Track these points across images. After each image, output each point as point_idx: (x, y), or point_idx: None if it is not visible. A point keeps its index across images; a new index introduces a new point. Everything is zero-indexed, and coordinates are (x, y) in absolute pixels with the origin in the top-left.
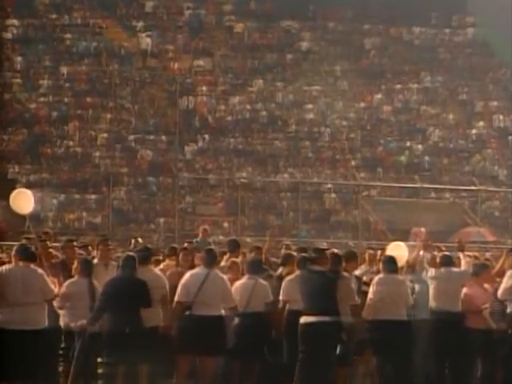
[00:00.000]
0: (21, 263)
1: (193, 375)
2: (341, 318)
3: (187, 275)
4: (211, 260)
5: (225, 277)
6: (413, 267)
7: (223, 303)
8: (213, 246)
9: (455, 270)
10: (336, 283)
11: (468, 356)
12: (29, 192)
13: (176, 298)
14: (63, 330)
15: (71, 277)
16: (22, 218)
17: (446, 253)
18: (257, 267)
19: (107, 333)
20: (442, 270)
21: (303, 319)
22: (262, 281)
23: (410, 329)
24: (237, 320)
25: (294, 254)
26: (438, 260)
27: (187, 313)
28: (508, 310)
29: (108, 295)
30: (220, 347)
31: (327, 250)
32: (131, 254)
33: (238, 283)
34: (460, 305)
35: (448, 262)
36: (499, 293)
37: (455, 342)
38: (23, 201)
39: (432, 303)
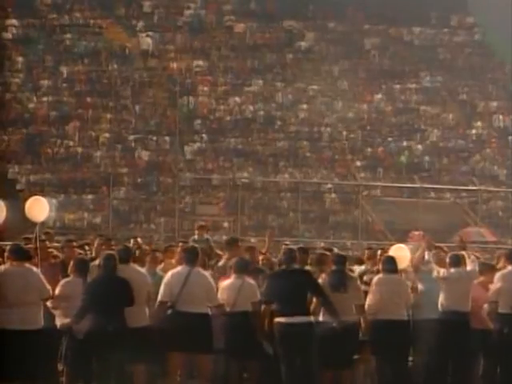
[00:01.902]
0: (15, 263)
1: (184, 374)
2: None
3: (169, 274)
4: (192, 258)
5: (208, 274)
6: (416, 267)
7: (207, 301)
8: (205, 244)
9: (465, 269)
10: (343, 283)
11: (475, 356)
12: (44, 199)
13: (159, 298)
14: (59, 330)
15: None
16: (22, 218)
17: (456, 253)
18: (243, 267)
19: (91, 332)
20: (453, 270)
21: (280, 320)
22: (249, 280)
23: (411, 328)
24: (224, 319)
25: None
26: (447, 260)
27: (171, 311)
28: (499, 311)
29: (90, 295)
30: (206, 344)
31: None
32: (111, 252)
33: (224, 283)
34: (470, 305)
35: (458, 262)
36: (489, 294)
37: (466, 342)
38: (38, 209)
39: (442, 303)
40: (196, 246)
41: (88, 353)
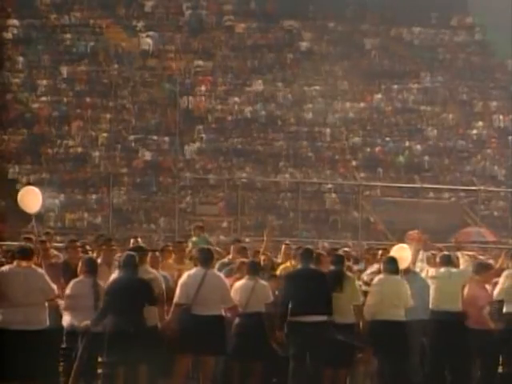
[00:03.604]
0: (23, 263)
1: (194, 375)
2: (332, 318)
3: (185, 276)
4: (207, 259)
5: (222, 276)
6: (409, 268)
7: (222, 303)
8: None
9: (455, 269)
10: (340, 283)
11: (469, 356)
12: (37, 190)
13: (175, 300)
14: (66, 330)
15: (75, 277)
16: (22, 218)
17: (445, 252)
18: (256, 268)
19: (111, 333)
20: (442, 269)
21: (297, 319)
22: (262, 281)
23: (410, 329)
24: (237, 320)
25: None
26: (437, 260)
27: (186, 313)
28: (504, 310)
29: (111, 295)
30: (220, 347)
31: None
32: (132, 253)
33: (237, 284)
34: (460, 304)
35: (447, 261)
36: (495, 293)
37: (456, 342)
38: (31, 199)
39: (432, 303)
40: (210, 247)
41: (105, 353)
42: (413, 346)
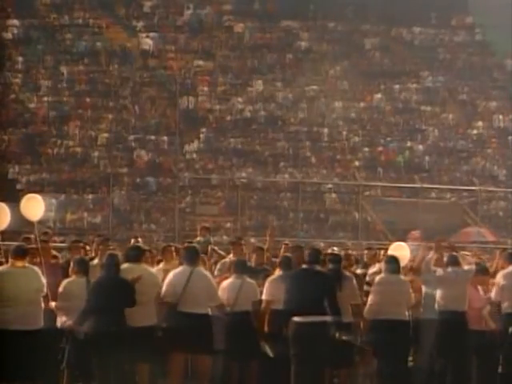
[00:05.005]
0: (18, 263)
1: (192, 375)
2: (340, 318)
3: (171, 274)
4: (193, 257)
5: (209, 274)
6: (418, 268)
7: (209, 301)
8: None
9: (461, 269)
10: (338, 282)
11: (471, 356)
12: (40, 198)
13: (161, 297)
14: (61, 330)
15: None
16: (22, 218)
17: (453, 253)
18: (243, 266)
19: (93, 333)
20: (450, 269)
21: (298, 319)
22: (249, 280)
23: (412, 329)
24: (225, 319)
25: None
26: (445, 260)
27: (173, 310)
28: (502, 311)
29: (93, 296)
30: (207, 345)
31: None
32: (114, 252)
33: (225, 283)
34: (466, 305)
35: (454, 261)
36: (493, 294)
37: (463, 341)
38: (34, 207)
39: (440, 303)
40: (196, 245)
41: (91, 353)
42: (418, 345)
